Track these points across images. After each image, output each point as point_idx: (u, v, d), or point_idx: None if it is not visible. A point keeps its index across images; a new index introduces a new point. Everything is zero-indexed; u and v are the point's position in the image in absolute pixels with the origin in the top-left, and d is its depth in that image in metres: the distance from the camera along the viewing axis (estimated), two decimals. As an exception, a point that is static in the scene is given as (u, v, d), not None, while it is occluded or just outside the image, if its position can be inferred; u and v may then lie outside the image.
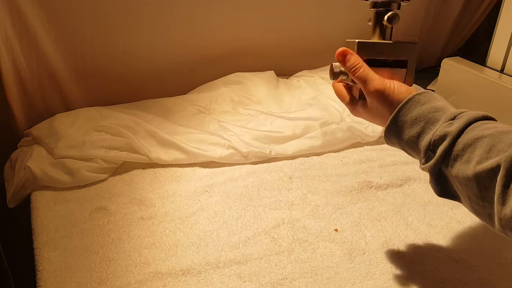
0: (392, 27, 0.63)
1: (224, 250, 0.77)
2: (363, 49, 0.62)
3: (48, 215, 0.84)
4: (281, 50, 1.32)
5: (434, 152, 0.53)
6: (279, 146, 1.02)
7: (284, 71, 1.32)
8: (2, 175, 1.01)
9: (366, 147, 1.07)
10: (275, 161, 1.01)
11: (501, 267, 0.75)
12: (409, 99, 0.57)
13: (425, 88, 1.30)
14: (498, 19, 1.11)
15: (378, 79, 0.60)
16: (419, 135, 0.55)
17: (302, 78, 1.28)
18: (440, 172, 0.53)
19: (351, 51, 0.62)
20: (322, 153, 1.04)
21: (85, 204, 0.87)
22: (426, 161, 0.54)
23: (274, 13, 1.25)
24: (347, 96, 0.67)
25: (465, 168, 0.49)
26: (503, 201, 0.45)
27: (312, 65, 1.33)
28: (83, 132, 0.99)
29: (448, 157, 0.51)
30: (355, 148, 1.06)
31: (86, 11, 1.04)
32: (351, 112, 0.68)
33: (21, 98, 1.04)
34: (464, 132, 0.51)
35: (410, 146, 0.57)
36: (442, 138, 0.52)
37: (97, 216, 0.84)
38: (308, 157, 1.03)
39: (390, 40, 0.63)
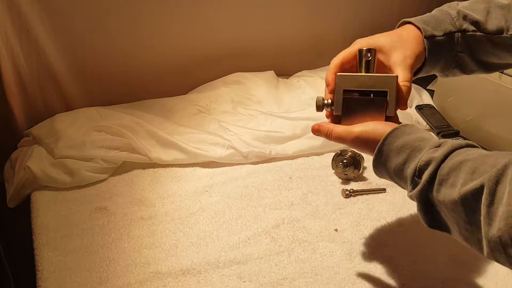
0: (374, 63, 0.66)
1: (224, 250, 0.77)
2: (343, 81, 0.65)
3: (48, 215, 0.84)
4: (281, 50, 1.32)
5: (420, 178, 0.53)
6: (279, 146, 1.02)
7: (284, 71, 1.32)
8: (2, 175, 1.01)
9: (366, 147, 1.07)
10: (275, 161, 1.01)
11: (501, 267, 0.75)
12: (395, 129, 0.58)
13: (425, 88, 1.30)
14: (498, 19, 1.11)
15: (349, 131, 0.62)
16: (405, 163, 0.56)
17: (302, 78, 1.28)
18: (427, 199, 0.54)
19: (317, 125, 0.66)
20: (322, 153, 1.04)
21: (85, 204, 0.87)
22: (413, 188, 0.54)
23: (274, 13, 1.25)
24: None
25: (450, 192, 0.50)
26: (489, 221, 0.45)
27: (312, 65, 1.33)
28: (83, 132, 0.99)
29: (433, 182, 0.52)
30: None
31: (86, 11, 1.03)
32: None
33: (21, 98, 1.04)
34: (449, 158, 0.52)
35: (397, 174, 0.57)
36: (427, 164, 0.53)
37: (97, 216, 0.84)
38: (308, 157, 1.03)
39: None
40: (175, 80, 1.22)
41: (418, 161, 0.54)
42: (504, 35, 0.64)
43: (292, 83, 1.26)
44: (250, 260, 0.75)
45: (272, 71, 1.29)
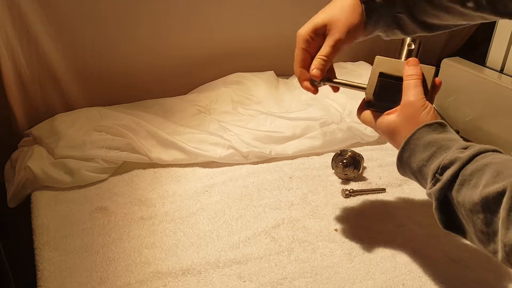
0: (417, 53, 0.66)
1: (224, 250, 0.77)
2: (380, 63, 0.65)
3: (49, 215, 0.84)
4: (281, 50, 1.31)
5: (442, 175, 0.53)
6: (279, 146, 1.02)
7: (284, 71, 1.32)
8: (3, 175, 1.01)
9: (366, 147, 1.07)
10: (275, 161, 1.01)
11: (500, 267, 0.75)
12: (427, 125, 0.58)
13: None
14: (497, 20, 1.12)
15: (420, 93, 0.61)
16: (429, 159, 0.56)
17: (302, 78, 1.28)
18: (445, 199, 0.54)
19: (420, 65, 0.64)
20: (322, 153, 1.04)
21: (86, 204, 0.87)
22: (433, 185, 0.54)
23: (274, 13, 1.25)
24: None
25: (471, 193, 0.49)
26: (507, 225, 0.45)
27: (312, 65, 1.33)
28: (84, 132, 0.99)
29: (455, 181, 0.52)
30: (355, 148, 1.06)
31: (86, 12, 1.04)
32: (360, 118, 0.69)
33: (21, 98, 1.04)
34: (474, 160, 0.52)
35: (420, 170, 0.57)
36: (451, 162, 0.53)
37: (98, 216, 0.84)
38: (308, 157, 1.03)
39: None
40: (175, 80, 1.23)
41: (443, 159, 0.54)
42: None
43: (292, 83, 1.26)
44: (250, 260, 0.75)
45: (272, 71, 1.29)
